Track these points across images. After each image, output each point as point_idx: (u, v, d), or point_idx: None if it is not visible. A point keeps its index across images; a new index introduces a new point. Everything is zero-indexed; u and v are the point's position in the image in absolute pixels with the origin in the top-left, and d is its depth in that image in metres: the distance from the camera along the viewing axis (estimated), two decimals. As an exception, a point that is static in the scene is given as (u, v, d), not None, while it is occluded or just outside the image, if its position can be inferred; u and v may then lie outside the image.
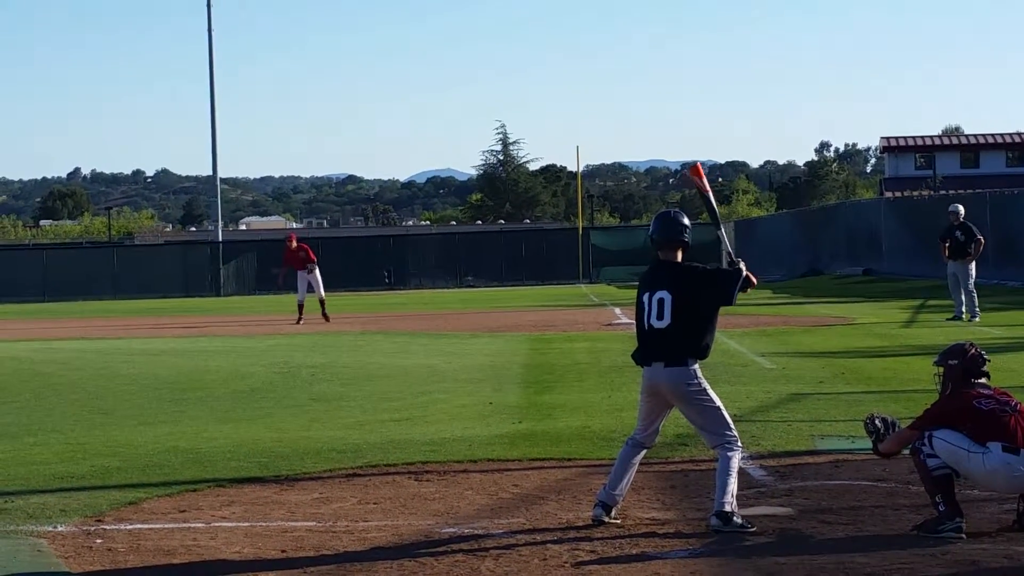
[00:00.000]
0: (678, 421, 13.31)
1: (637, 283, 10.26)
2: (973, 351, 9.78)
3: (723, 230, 10.88)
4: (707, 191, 10.50)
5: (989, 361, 9.83)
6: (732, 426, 9.88)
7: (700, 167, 10.77)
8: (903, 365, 20.33)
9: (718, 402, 9.89)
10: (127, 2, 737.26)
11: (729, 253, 10.26)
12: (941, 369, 9.86)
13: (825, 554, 8.90)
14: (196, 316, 46.04)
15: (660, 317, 9.82)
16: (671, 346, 9.79)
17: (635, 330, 10.12)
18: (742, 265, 9.92)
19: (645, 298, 9.94)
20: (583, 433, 14.46)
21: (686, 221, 10.12)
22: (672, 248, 10.03)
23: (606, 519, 9.95)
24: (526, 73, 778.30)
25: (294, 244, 38.13)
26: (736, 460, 9.77)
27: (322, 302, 37.25)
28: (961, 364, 9.73)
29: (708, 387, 9.88)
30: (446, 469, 12.62)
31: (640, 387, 10.15)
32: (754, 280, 9.95)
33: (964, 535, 9.22)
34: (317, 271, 37.56)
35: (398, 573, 8.78)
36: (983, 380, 9.71)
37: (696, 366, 9.82)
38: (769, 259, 71.51)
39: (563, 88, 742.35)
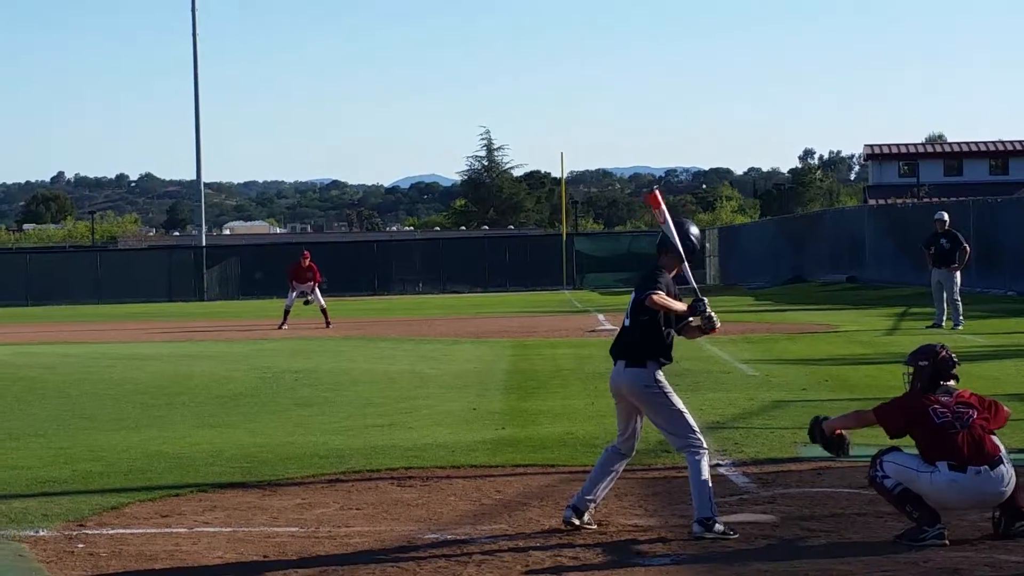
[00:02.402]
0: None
1: (623, 288, 10.33)
2: (944, 353, 9.84)
3: (687, 264, 10.19)
4: (664, 221, 10.10)
5: (958, 364, 9.88)
6: (696, 430, 9.86)
7: (658, 194, 10.32)
8: (886, 372, 20.34)
9: (680, 406, 9.86)
10: (112, 5, 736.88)
11: (695, 289, 10.22)
12: (911, 369, 9.91)
13: (807, 561, 8.91)
14: (179, 321, 46.00)
15: (627, 316, 9.97)
16: (630, 346, 9.89)
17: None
18: (706, 305, 9.89)
19: (631, 299, 10.08)
20: (566, 439, 14.46)
21: (694, 231, 10.17)
22: (663, 256, 10.10)
23: (575, 522, 9.94)
24: (511, 79, 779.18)
25: (307, 262, 38.53)
26: (705, 464, 9.76)
27: (324, 311, 37.68)
28: (931, 365, 9.79)
29: (670, 391, 9.86)
30: (429, 475, 12.62)
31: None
32: (716, 324, 9.93)
33: (947, 541, 9.25)
34: (318, 289, 38.25)
35: (380, 579, 8.78)
36: (951, 383, 9.76)
37: (657, 369, 9.84)
38: (753, 266, 71.64)
39: (548, 94, 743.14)
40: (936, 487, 9.36)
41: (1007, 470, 9.40)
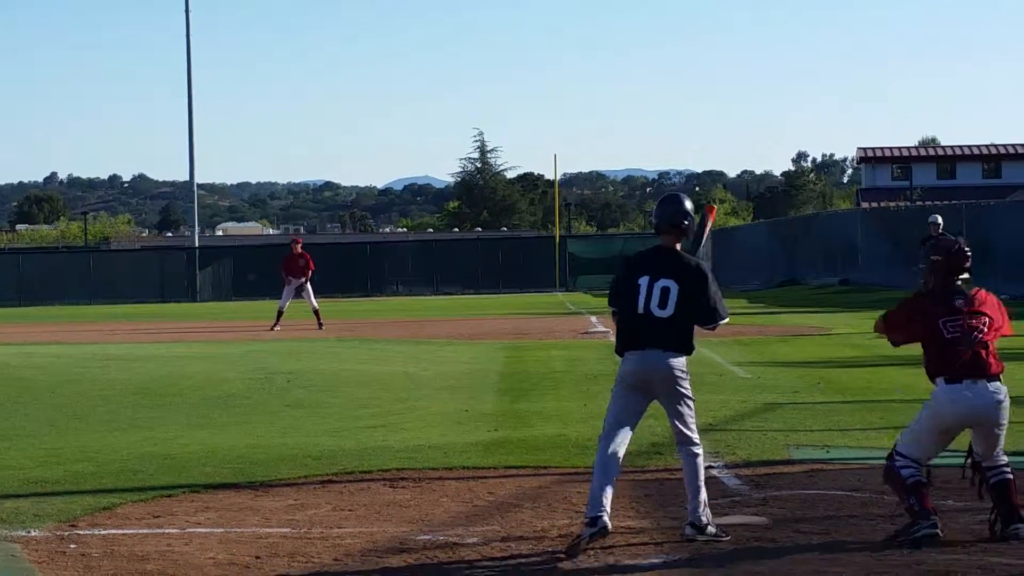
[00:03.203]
0: (653, 430, 13.35)
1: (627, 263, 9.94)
2: (958, 247, 9.84)
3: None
4: (706, 232, 10.38)
5: (971, 258, 9.86)
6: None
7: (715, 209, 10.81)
8: (879, 375, 20.39)
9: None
10: (105, 5, 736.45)
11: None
12: (929, 258, 9.88)
13: (799, 564, 8.91)
14: (172, 322, 45.95)
15: (663, 306, 9.59)
16: (672, 336, 9.61)
17: (622, 314, 9.75)
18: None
19: (643, 282, 9.65)
20: (558, 441, 14.46)
21: (690, 206, 9.94)
22: (675, 233, 9.84)
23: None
24: (504, 81, 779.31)
25: (298, 248, 38.03)
26: (703, 464, 9.76)
27: (316, 312, 37.18)
28: (946, 261, 9.78)
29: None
30: (421, 476, 12.61)
31: (620, 378, 9.77)
32: None
33: (940, 533, 9.29)
34: (310, 286, 37.57)
35: (372, 580, 8.79)
36: (964, 276, 9.78)
37: (685, 360, 9.80)
38: (746, 268, 71.63)
39: (541, 96, 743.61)
40: (937, 405, 9.49)
41: (1003, 387, 9.49)
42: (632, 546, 9.53)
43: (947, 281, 9.75)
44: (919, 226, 33.22)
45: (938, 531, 9.31)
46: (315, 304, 37.32)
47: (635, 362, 9.69)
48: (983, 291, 9.85)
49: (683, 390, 9.70)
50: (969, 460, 9.72)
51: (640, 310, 9.65)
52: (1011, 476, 9.55)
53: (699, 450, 9.76)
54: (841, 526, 10.05)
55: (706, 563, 9.02)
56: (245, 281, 73.65)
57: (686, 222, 9.86)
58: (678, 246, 9.87)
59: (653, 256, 9.85)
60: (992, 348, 9.60)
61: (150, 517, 10.95)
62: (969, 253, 9.86)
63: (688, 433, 9.74)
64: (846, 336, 29.14)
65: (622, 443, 9.68)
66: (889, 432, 12.43)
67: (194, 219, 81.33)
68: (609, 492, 9.49)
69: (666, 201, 10.04)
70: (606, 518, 9.36)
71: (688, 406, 9.74)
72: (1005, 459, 9.62)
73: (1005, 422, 9.53)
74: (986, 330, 9.58)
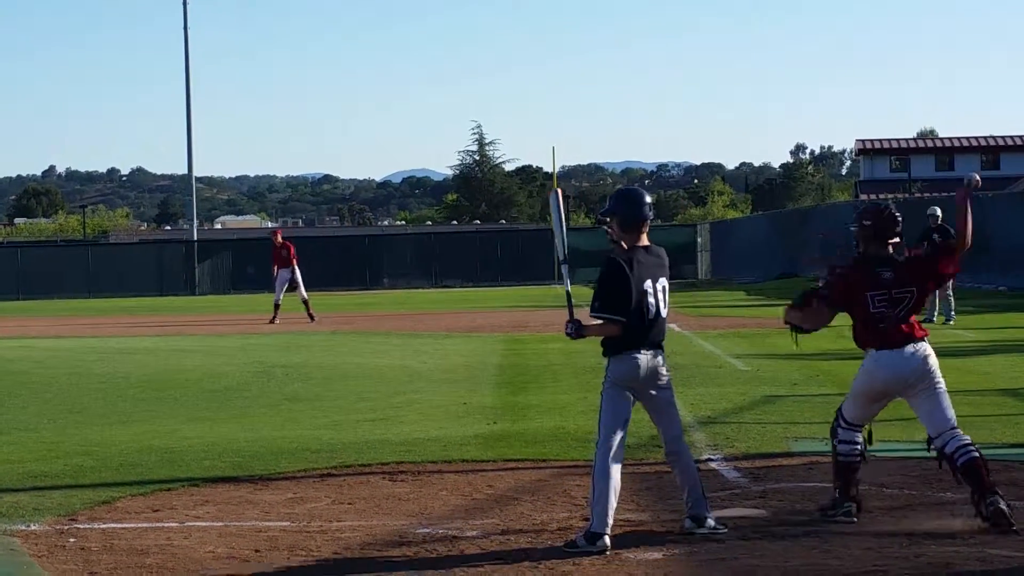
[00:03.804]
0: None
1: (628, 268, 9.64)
2: (887, 212, 9.88)
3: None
4: (559, 221, 10.39)
5: (901, 222, 9.88)
6: None
7: (560, 193, 10.50)
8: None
9: None
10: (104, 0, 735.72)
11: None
12: (857, 225, 9.91)
13: (798, 556, 8.91)
14: (170, 315, 45.96)
15: (665, 305, 9.63)
16: (665, 331, 9.72)
17: (633, 319, 9.51)
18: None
19: (647, 286, 9.53)
20: (557, 434, 14.46)
21: (648, 200, 9.85)
22: (645, 229, 9.72)
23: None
24: (502, 74, 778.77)
25: (279, 240, 37.66)
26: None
27: (305, 302, 36.90)
28: (874, 225, 9.83)
29: None
30: (420, 469, 12.62)
31: (617, 380, 9.54)
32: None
33: (855, 519, 9.77)
34: (297, 272, 37.11)
35: (371, 574, 8.77)
36: (895, 241, 9.82)
37: None
38: (744, 261, 71.59)
39: (539, 89, 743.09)
40: (867, 371, 9.77)
41: (926, 345, 9.70)
42: (632, 538, 9.52)
43: (876, 248, 9.82)
44: (918, 218, 33.16)
45: (853, 519, 9.75)
46: (304, 295, 36.84)
47: (637, 362, 9.52)
48: (913, 255, 9.91)
49: (670, 383, 9.72)
50: (932, 450, 9.77)
51: (651, 314, 9.53)
52: (977, 453, 9.57)
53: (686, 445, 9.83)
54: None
55: (705, 555, 9.02)
56: (243, 274, 73.59)
57: (650, 216, 9.84)
58: (645, 240, 9.78)
59: (646, 257, 9.65)
60: (913, 319, 9.78)
61: (149, 511, 10.96)
62: (899, 218, 9.89)
63: (679, 426, 9.76)
64: (844, 328, 28.96)
65: (621, 450, 9.51)
66: (886, 424, 12.43)
67: (192, 212, 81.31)
68: (614, 505, 9.39)
69: (635, 199, 9.77)
70: (608, 539, 9.19)
71: (675, 401, 9.75)
72: (967, 438, 9.65)
73: (936, 378, 9.69)
74: (910, 307, 9.73)
